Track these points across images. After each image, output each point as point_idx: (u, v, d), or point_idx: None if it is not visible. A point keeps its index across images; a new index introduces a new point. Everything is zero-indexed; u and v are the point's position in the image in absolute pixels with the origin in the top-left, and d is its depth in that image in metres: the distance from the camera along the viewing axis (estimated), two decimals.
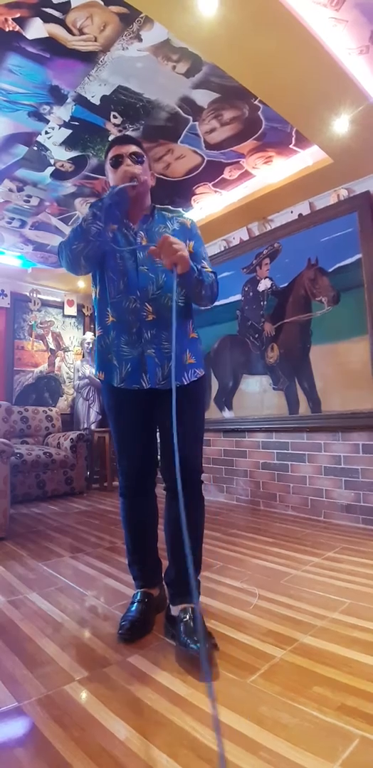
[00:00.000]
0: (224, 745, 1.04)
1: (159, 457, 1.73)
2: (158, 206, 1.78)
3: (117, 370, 1.64)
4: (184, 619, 1.49)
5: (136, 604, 1.67)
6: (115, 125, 2.80)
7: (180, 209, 1.83)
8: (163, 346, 1.61)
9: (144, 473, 1.73)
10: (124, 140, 1.72)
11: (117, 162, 1.67)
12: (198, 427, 1.68)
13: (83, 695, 1.26)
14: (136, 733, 1.09)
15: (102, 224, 1.58)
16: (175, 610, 1.58)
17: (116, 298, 1.64)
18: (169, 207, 1.81)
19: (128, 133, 2.86)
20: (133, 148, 1.68)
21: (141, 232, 1.67)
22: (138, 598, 1.69)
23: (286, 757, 1.00)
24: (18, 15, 2.03)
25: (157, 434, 1.73)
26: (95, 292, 1.74)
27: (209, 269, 1.70)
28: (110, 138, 2.89)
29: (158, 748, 1.04)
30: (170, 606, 1.62)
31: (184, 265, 1.48)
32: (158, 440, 1.73)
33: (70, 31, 2.13)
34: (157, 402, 1.64)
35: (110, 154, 1.70)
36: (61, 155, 3.12)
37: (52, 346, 5.62)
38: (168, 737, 1.07)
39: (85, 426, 5.40)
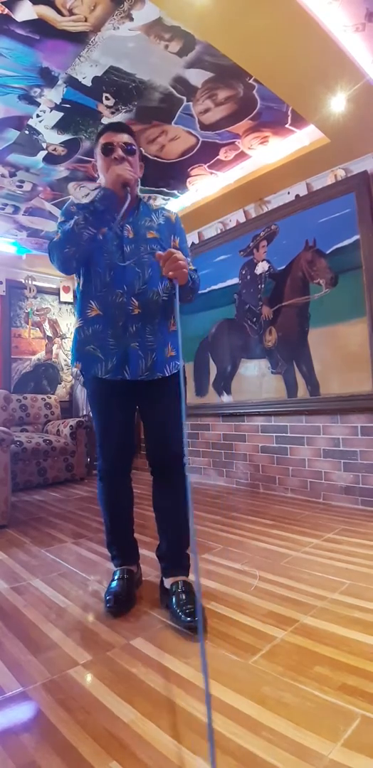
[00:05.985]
0: (227, 726, 1.06)
1: (144, 443, 1.81)
2: (143, 197, 1.83)
3: (103, 362, 1.68)
4: (176, 591, 1.62)
5: (116, 580, 1.76)
6: (108, 107, 2.75)
7: (164, 203, 1.86)
8: (147, 339, 1.67)
9: (123, 457, 1.81)
10: (117, 128, 1.74)
11: (107, 150, 1.69)
12: (179, 413, 1.72)
13: (88, 679, 1.27)
14: (141, 715, 1.11)
15: (94, 230, 1.63)
16: (167, 583, 1.70)
17: (102, 291, 1.68)
18: (155, 194, 1.85)
19: (121, 114, 2.82)
20: (126, 138, 1.70)
21: (128, 225, 1.71)
22: (118, 575, 1.78)
23: (288, 736, 1.02)
24: None
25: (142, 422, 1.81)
26: (79, 283, 1.77)
27: (192, 267, 1.76)
28: (103, 121, 2.85)
29: (163, 730, 1.06)
30: (163, 579, 1.74)
31: (183, 279, 1.60)
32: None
33: (59, 12, 2.08)
34: (140, 392, 1.73)
35: (102, 140, 1.72)
36: (53, 139, 3.07)
37: (49, 333, 5.59)
38: (172, 719, 1.09)
39: (84, 413, 5.40)
